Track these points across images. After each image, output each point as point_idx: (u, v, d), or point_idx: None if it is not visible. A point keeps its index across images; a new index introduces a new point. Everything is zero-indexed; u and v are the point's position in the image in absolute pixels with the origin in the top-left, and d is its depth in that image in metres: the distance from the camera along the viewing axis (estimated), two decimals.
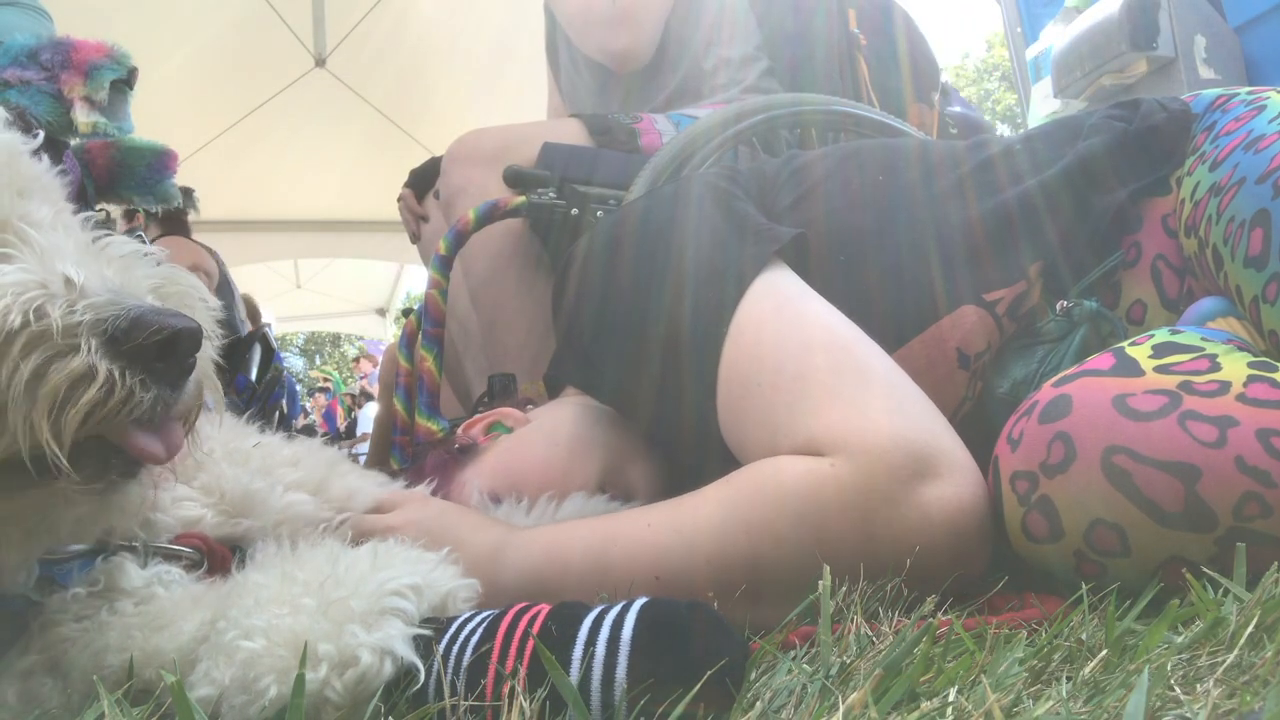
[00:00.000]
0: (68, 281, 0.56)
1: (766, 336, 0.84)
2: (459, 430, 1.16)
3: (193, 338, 0.58)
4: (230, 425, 0.85)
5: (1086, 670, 0.49)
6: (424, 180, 2.72)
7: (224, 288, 3.32)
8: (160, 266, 0.63)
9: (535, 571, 0.79)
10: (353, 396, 9.59)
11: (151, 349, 0.56)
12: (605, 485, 1.03)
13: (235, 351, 3.18)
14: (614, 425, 1.05)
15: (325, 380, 11.32)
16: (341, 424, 8.94)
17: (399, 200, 2.79)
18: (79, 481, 0.56)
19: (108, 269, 0.59)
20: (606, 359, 0.96)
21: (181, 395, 0.60)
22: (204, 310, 0.64)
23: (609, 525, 0.81)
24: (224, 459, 0.78)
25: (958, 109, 2.25)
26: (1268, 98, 0.88)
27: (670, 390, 0.90)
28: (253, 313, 3.81)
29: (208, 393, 0.66)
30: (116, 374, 0.55)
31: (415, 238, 2.77)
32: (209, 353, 0.64)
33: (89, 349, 0.54)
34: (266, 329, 3.35)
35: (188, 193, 3.46)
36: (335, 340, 20.76)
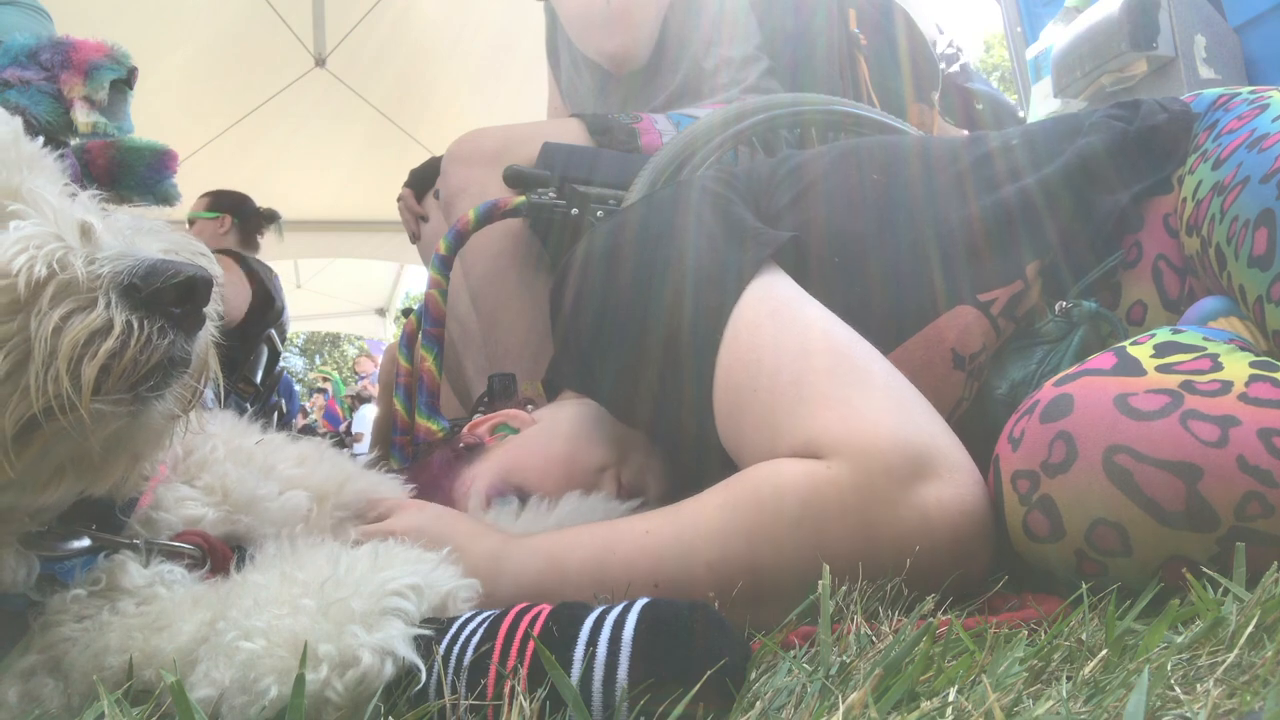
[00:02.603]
0: (83, 230, 0.57)
1: (763, 340, 0.84)
2: (464, 430, 1.16)
3: (207, 283, 0.60)
4: (233, 423, 0.85)
5: (1086, 670, 0.49)
6: (424, 180, 2.71)
7: (264, 308, 3.22)
8: (166, 235, 0.63)
9: (534, 580, 0.79)
10: (352, 398, 9.58)
11: (169, 293, 0.57)
12: (612, 482, 1.03)
13: (242, 352, 3.16)
14: (619, 424, 1.05)
15: (324, 381, 11.29)
16: (343, 424, 8.93)
17: (399, 200, 2.78)
18: (109, 400, 0.57)
19: (119, 232, 0.60)
20: (604, 364, 0.96)
21: (195, 345, 0.61)
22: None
23: (608, 533, 0.81)
24: (227, 458, 0.78)
25: (979, 86, 2.24)
26: (1270, 97, 0.88)
27: (668, 395, 0.90)
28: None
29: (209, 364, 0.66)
30: (135, 324, 0.56)
31: (415, 238, 2.76)
32: (210, 331, 0.65)
33: (108, 302, 0.55)
34: (272, 332, 3.33)
35: (272, 216, 3.41)
36: (335, 340, 20.76)
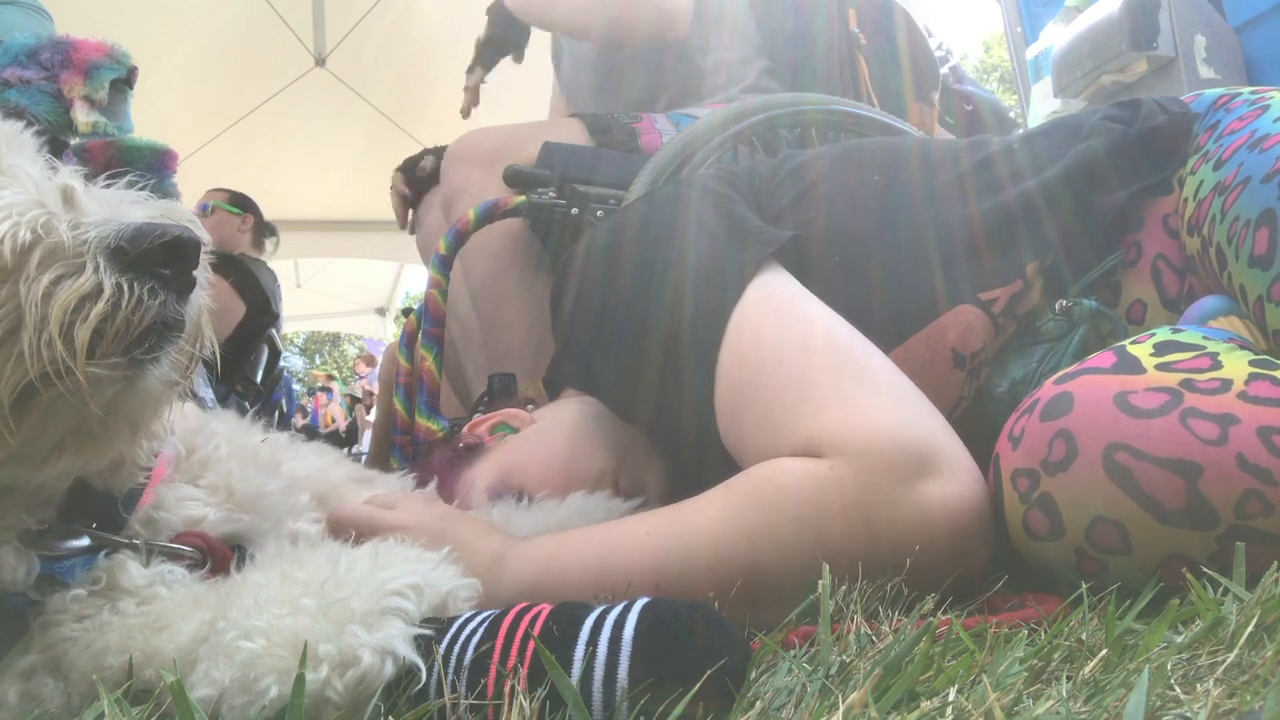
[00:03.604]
0: (66, 195, 0.56)
1: (764, 339, 0.84)
2: (464, 430, 1.16)
3: (195, 244, 0.59)
4: (236, 422, 0.85)
5: (1086, 670, 0.49)
6: (416, 166, 2.65)
7: (260, 314, 3.20)
8: (153, 203, 0.63)
9: (534, 581, 0.79)
10: (353, 398, 9.57)
11: (157, 254, 0.57)
12: (612, 481, 1.03)
13: (242, 353, 3.17)
14: (619, 423, 1.05)
15: (328, 380, 11.27)
16: (342, 425, 8.91)
17: (391, 188, 2.68)
18: (104, 365, 0.56)
19: (103, 201, 0.59)
20: (605, 362, 0.96)
21: (187, 308, 0.61)
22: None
23: (608, 534, 0.81)
24: (231, 456, 0.78)
25: (970, 88, 2.24)
26: (1271, 97, 0.88)
27: (669, 394, 0.90)
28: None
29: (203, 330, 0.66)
30: (125, 286, 0.56)
31: (403, 223, 2.67)
32: (203, 296, 0.65)
33: (96, 265, 0.55)
34: (272, 331, 3.34)
35: (275, 230, 3.43)
36: (335, 340, 20.76)
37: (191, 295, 0.61)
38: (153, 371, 0.60)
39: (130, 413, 0.62)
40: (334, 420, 9.19)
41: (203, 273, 0.63)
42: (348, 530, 0.84)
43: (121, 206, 0.59)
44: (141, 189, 0.64)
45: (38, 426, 0.58)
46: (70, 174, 0.62)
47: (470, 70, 2.08)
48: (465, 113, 2.10)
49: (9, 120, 0.65)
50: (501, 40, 2.02)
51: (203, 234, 0.62)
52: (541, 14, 1.93)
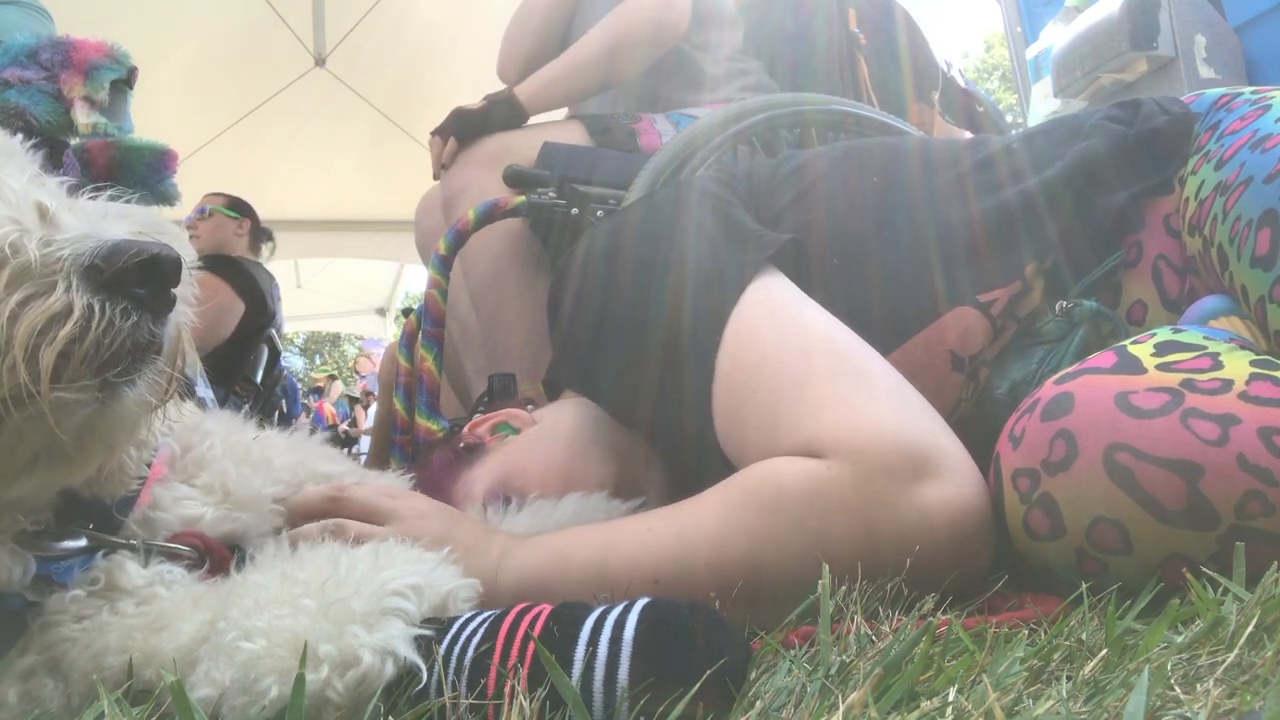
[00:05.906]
0: (41, 212, 0.55)
1: (763, 342, 0.84)
2: (465, 430, 1.16)
3: (173, 262, 0.57)
4: (230, 420, 0.85)
5: (1086, 670, 0.49)
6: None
7: (257, 314, 3.20)
8: (137, 217, 0.61)
9: (536, 579, 0.79)
10: (351, 398, 9.56)
11: (132, 273, 0.55)
12: (612, 484, 1.03)
13: (241, 352, 3.17)
14: (619, 429, 1.05)
15: (330, 380, 11.23)
16: (341, 425, 8.89)
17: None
18: (73, 388, 0.55)
19: (84, 216, 0.58)
20: (604, 365, 0.96)
21: (165, 329, 0.59)
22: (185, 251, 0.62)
23: (609, 532, 0.81)
24: (225, 455, 0.77)
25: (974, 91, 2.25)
26: (1272, 97, 0.88)
27: (668, 397, 0.90)
28: None
29: (186, 349, 0.64)
30: (96, 307, 0.54)
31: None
32: (188, 316, 0.63)
33: (67, 285, 0.53)
34: (272, 332, 3.34)
35: (271, 235, 3.47)
36: (335, 340, 20.76)
37: (170, 315, 0.59)
38: (127, 394, 0.58)
39: (104, 434, 0.61)
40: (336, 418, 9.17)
41: (185, 289, 0.61)
42: (351, 511, 0.83)
43: (102, 221, 0.58)
44: (128, 200, 0.62)
45: (7, 447, 0.57)
46: (53, 187, 0.60)
47: (442, 136, 1.83)
48: (437, 176, 1.92)
49: (3, 131, 0.64)
50: (495, 125, 1.78)
51: (186, 250, 0.60)
52: (565, 97, 1.87)
